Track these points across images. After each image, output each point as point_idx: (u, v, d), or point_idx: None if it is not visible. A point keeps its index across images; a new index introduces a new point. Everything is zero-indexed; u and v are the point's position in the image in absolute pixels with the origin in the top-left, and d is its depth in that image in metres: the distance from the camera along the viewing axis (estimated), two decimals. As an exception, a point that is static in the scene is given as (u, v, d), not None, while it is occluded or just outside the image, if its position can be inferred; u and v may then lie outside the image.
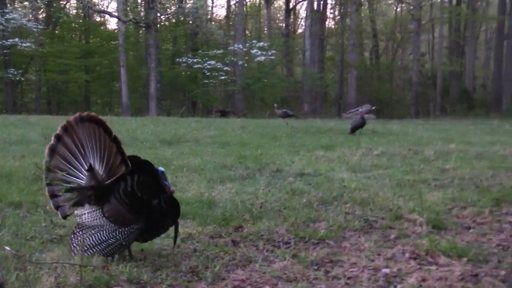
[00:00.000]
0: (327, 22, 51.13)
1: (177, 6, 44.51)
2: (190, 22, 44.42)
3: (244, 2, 49.93)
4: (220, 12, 74.72)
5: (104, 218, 5.41)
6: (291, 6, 53.42)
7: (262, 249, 5.86)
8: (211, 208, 7.50)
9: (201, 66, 40.24)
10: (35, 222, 6.68)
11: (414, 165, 11.95)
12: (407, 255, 5.71)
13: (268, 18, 53.77)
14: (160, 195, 5.44)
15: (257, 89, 42.37)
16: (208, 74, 40.69)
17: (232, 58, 41.89)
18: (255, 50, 41.38)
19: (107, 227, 5.41)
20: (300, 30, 56.41)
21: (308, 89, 43.29)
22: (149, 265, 5.29)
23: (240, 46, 41.28)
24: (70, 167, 5.50)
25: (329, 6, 51.02)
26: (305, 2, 49.07)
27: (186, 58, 41.52)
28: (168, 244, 5.91)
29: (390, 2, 57.45)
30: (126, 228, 5.39)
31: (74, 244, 5.45)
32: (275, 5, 59.14)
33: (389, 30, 52.07)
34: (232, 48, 42.52)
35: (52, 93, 48.52)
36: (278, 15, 60.03)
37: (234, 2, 50.72)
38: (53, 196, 5.53)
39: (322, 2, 46.93)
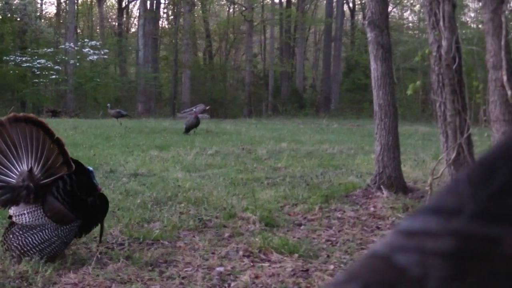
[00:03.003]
0: (160, 22, 50.94)
1: (4, 2, 42.70)
2: (18, 19, 42.76)
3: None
4: (50, 9, 72.48)
5: (46, 218, 5.44)
6: (123, 5, 52.68)
7: (96, 251, 5.76)
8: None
9: (30, 64, 38.80)
10: None
11: (247, 164, 12.17)
12: (240, 253, 5.81)
13: (100, 16, 52.81)
14: (94, 193, 5.66)
15: (89, 89, 41.42)
16: (38, 73, 39.33)
17: (63, 57, 40.73)
18: (87, 49, 40.48)
19: (49, 226, 5.44)
20: (133, 29, 55.74)
21: (142, 88, 42.91)
22: (-26, 272, 5.07)
23: (72, 44, 40.23)
24: None
25: (162, 5, 50.82)
26: (138, 1, 48.61)
27: (14, 57, 39.94)
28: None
29: (222, 3, 58.06)
30: (67, 226, 5.48)
31: (15, 244, 5.42)
32: (108, 4, 58.20)
33: (222, 30, 52.54)
34: (63, 46, 41.39)
35: None
36: (111, 13, 59.12)
37: (65, -1, 49.42)
38: None
39: (155, 1, 46.64)
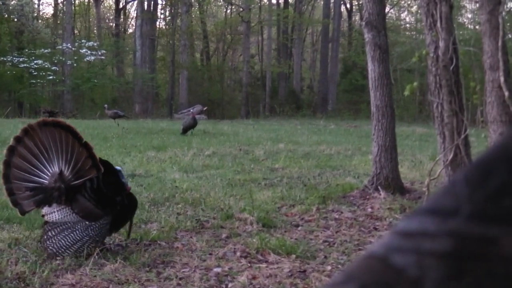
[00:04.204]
0: (158, 23, 50.88)
1: (1, 3, 42.66)
2: (15, 20, 42.68)
3: (72, 0, 48.64)
4: (47, 10, 72.55)
5: (74, 214, 5.70)
6: (121, 5, 52.64)
7: (93, 252, 5.75)
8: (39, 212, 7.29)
9: (27, 65, 38.70)
10: None
11: (244, 165, 12.16)
12: (238, 253, 5.81)
13: (97, 17, 52.66)
14: (122, 192, 5.89)
15: (86, 90, 41.36)
16: (35, 73, 39.22)
17: (61, 58, 40.69)
18: (84, 50, 40.42)
19: (79, 226, 5.69)
20: (130, 30, 55.65)
21: (139, 89, 42.89)
22: (-29, 273, 5.06)
23: (69, 45, 40.14)
24: (31, 167, 5.73)
25: (159, 6, 50.81)
26: (135, 2, 48.60)
27: (11, 57, 39.84)
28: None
29: (220, 4, 58.04)
30: (97, 224, 5.72)
31: (50, 247, 5.65)
32: (105, 4, 58.08)
33: (219, 31, 52.43)
34: (60, 47, 41.34)
35: None
36: (108, 14, 58.99)
37: (62, 0, 49.32)
38: (11, 194, 5.74)
39: (152, 2, 46.62)
